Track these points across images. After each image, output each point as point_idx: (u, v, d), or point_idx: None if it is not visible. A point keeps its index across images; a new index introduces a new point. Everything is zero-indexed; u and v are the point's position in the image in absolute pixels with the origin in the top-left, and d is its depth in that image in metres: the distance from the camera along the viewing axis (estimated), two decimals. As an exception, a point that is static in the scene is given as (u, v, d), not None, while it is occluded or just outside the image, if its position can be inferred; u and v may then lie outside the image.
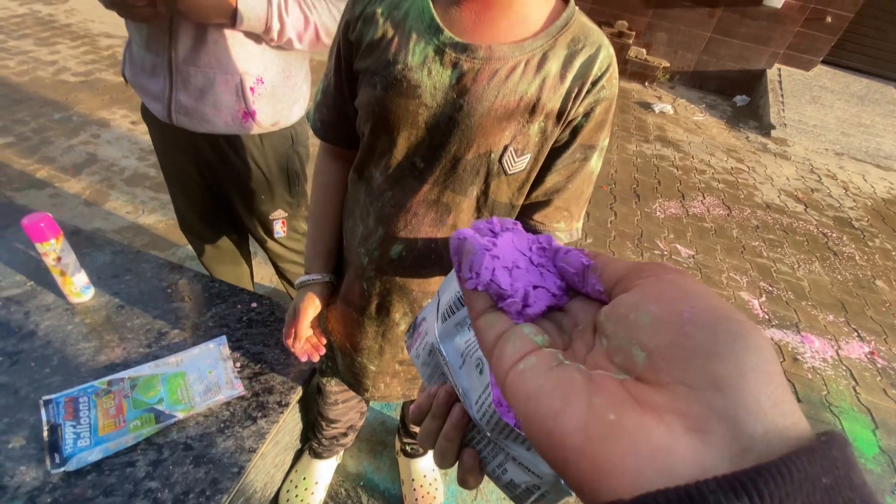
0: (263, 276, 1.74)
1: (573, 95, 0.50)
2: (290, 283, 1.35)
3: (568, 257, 0.23)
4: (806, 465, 0.13)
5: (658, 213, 2.68)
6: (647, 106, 4.24)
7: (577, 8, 0.51)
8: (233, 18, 0.81)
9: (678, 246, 2.43)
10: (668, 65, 4.86)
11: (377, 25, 0.52)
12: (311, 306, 0.71)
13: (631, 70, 4.76)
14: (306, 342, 0.76)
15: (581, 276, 0.22)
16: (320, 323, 0.78)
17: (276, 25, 0.84)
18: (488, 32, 0.49)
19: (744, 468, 0.13)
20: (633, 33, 4.73)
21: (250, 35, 0.87)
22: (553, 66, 0.49)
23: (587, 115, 0.52)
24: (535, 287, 0.23)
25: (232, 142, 0.98)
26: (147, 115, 1.02)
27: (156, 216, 1.95)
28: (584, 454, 0.16)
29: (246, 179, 1.04)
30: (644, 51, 4.88)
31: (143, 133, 2.45)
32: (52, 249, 0.81)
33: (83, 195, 1.97)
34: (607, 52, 0.51)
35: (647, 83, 4.79)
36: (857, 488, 0.14)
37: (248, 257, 1.38)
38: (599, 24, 4.55)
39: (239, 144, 0.98)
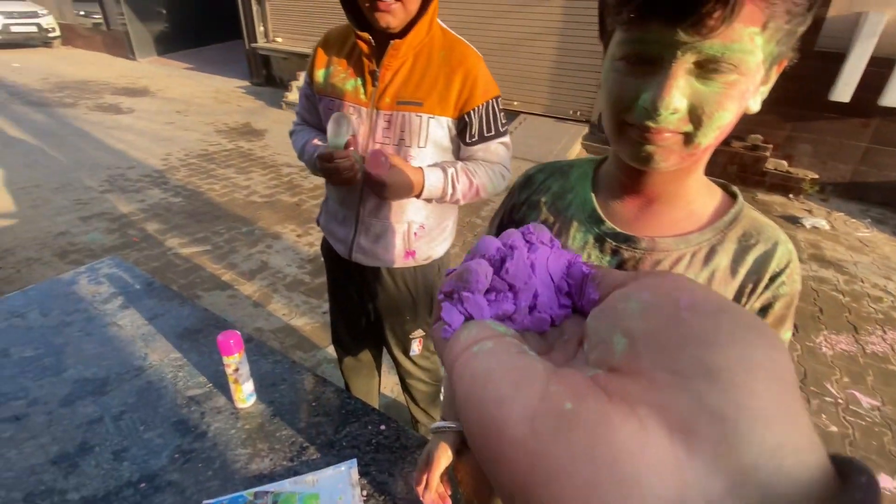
0: (386, 384, 1.83)
1: (747, 291, 0.48)
2: (413, 399, 1.40)
3: (571, 270, 0.21)
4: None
5: (824, 349, 2.26)
6: (794, 220, 3.83)
7: (746, 203, 0.51)
8: (419, 195, 0.98)
9: (856, 393, 1.99)
10: (816, 176, 4.42)
11: (540, 212, 0.57)
12: (445, 456, 0.72)
13: (770, 182, 4.43)
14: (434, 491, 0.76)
15: (579, 287, 0.20)
16: (449, 472, 0.78)
17: (449, 191, 1.01)
18: (651, 225, 0.50)
19: None
20: (770, 146, 4.48)
21: None
22: (722, 260, 0.48)
23: (764, 309, 0.49)
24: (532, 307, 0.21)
25: (393, 272, 1.15)
26: (328, 252, 1.26)
27: (305, 319, 2.22)
28: (525, 450, 0.12)
29: (398, 303, 1.19)
30: (785, 163, 4.54)
31: (304, 245, 2.91)
32: (234, 362, 0.97)
33: (253, 297, 2.36)
34: (786, 248, 0.49)
35: (791, 196, 4.38)
36: None
37: (380, 370, 1.50)
38: (729, 140, 4.41)
39: (398, 275, 1.15)
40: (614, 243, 0.50)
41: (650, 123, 0.40)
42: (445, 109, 0.98)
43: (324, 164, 0.96)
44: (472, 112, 0.99)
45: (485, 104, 1.00)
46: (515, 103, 5.54)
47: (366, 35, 0.94)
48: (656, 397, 0.11)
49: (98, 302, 1.29)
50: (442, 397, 1.50)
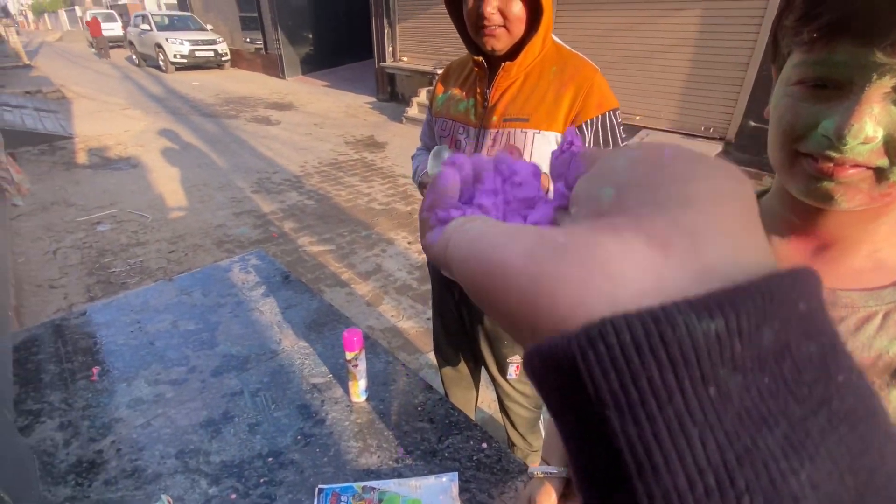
0: (483, 399, 1.81)
1: None
2: (511, 422, 1.36)
3: (561, 157, 0.19)
4: (785, 289, 0.11)
5: None
6: None
7: None
8: None
9: None
10: None
11: None
12: (549, 501, 0.68)
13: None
14: None
15: (567, 166, 0.19)
16: None
17: None
18: (827, 274, 0.43)
19: (715, 288, 0.11)
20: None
21: None
22: None
23: None
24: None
25: None
26: (432, 267, 1.28)
27: (411, 322, 2.31)
28: (526, 274, 0.13)
29: (496, 326, 1.16)
30: None
31: (414, 251, 3.05)
32: (355, 357, 1.03)
33: (367, 297, 2.52)
34: None
35: None
36: (830, 322, 0.12)
37: (478, 385, 1.48)
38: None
39: None
40: None
41: (832, 153, 0.34)
42: (553, 124, 0.95)
43: (423, 192, 1.00)
44: (584, 125, 0.94)
45: (599, 117, 0.93)
46: (637, 118, 5.21)
47: (478, 59, 0.97)
48: (638, 224, 0.13)
49: (246, 289, 1.48)
50: (543, 433, 1.44)
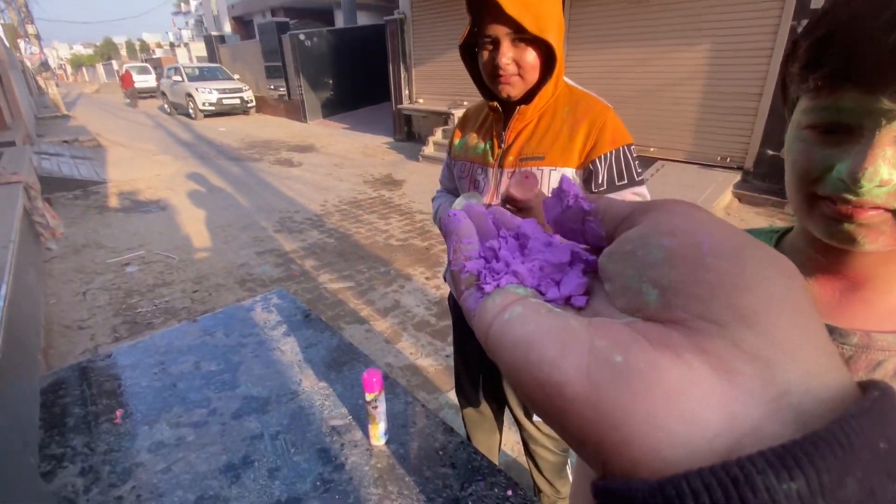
0: (506, 442, 1.75)
1: None
2: (537, 467, 1.31)
3: (568, 211, 0.19)
4: (863, 428, 0.10)
5: None
6: None
7: None
8: None
9: None
10: None
11: None
12: None
13: None
14: None
15: (580, 224, 0.18)
16: None
17: None
18: (861, 316, 0.41)
19: (795, 438, 0.10)
20: None
21: None
22: None
23: None
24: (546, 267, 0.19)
25: None
26: (454, 305, 1.27)
27: (430, 360, 2.29)
28: (588, 403, 0.12)
29: None
30: None
31: (432, 287, 3.05)
32: (374, 399, 1.01)
33: (385, 333, 2.51)
34: None
35: None
36: None
37: (501, 427, 1.43)
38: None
39: None
40: None
41: (848, 196, 0.34)
42: (568, 160, 0.96)
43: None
44: (597, 160, 0.95)
45: (613, 151, 0.95)
46: (652, 150, 5.23)
47: (493, 103, 1.00)
48: (698, 344, 0.12)
49: (268, 328, 1.49)
50: (571, 478, 1.38)
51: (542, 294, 0.18)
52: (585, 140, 0.95)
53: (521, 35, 0.87)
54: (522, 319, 0.15)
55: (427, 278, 3.19)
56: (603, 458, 0.12)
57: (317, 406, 1.16)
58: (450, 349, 2.34)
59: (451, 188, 1.25)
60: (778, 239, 0.49)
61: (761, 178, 4.48)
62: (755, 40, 4.28)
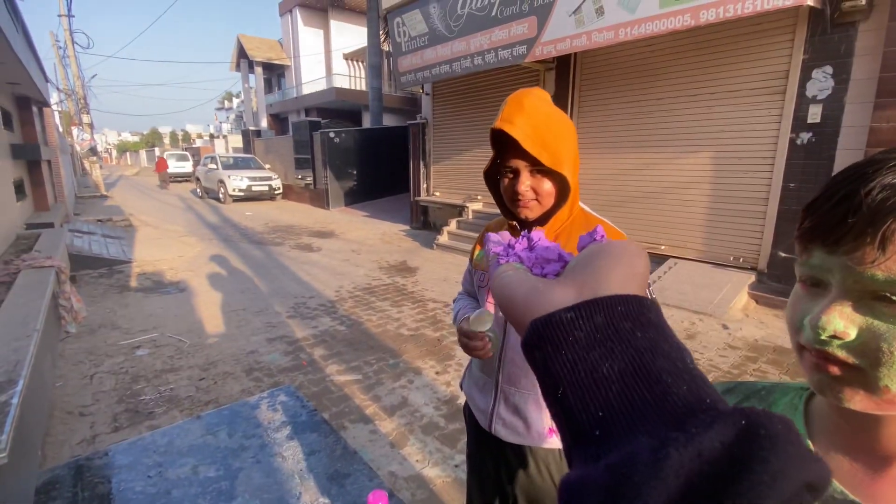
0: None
1: None
2: None
3: (580, 242, 0.33)
4: (614, 301, 0.23)
5: None
6: None
7: None
8: None
9: None
10: None
11: None
12: None
13: None
14: None
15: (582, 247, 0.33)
16: None
17: None
18: (893, 496, 0.38)
19: (580, 302, 0.24)
20: None
21: None
22: None
23: None
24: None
25: (535, 454, 1.07)
26: (470, 419, 1.25)
27: (437, 470, 2.15)
28: (522, 303, 0.26)
29: (540, 490, 1.08)
30: None
31: (442, 383, 2.96)
32: (377, 525, 0.95)
33: (391, 436, 2.40)
34: None
35: None
36: (666, 326, 0.24)
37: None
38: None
39: (541, 458, 1.06)
40: None
41: (816, 346, 0.37)
42: None
43: (461, 337, 1.08)
44: None
45: None
46: (663, 247, 5.31)
47: (513, 223, 1.09)
48: (572, 280, 0.26)
49: (271, 429, 1.45)
50: None
51: (531, 271, 0.32)
52: None
53: (539, 167, 0.96)
54: (509, 275, 0.29)
55: (437, 373, 3.11)
56: (526, 323, 0.24)
57: (315, 526, 1.09)
58: (459, 457, 2.21)
59: (471, 291, 1.30)
60: (808, 396, 0.47)
61: (776, 280, 4.46)
62: (757, 150, 4.53)
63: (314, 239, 8.10)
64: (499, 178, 1.06)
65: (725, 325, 3.95)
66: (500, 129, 0.94)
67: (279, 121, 21.99)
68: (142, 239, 7.59)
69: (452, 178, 8.24)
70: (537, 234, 0.36)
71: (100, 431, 2.44)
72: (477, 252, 1.23)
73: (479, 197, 7.53)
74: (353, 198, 12.27)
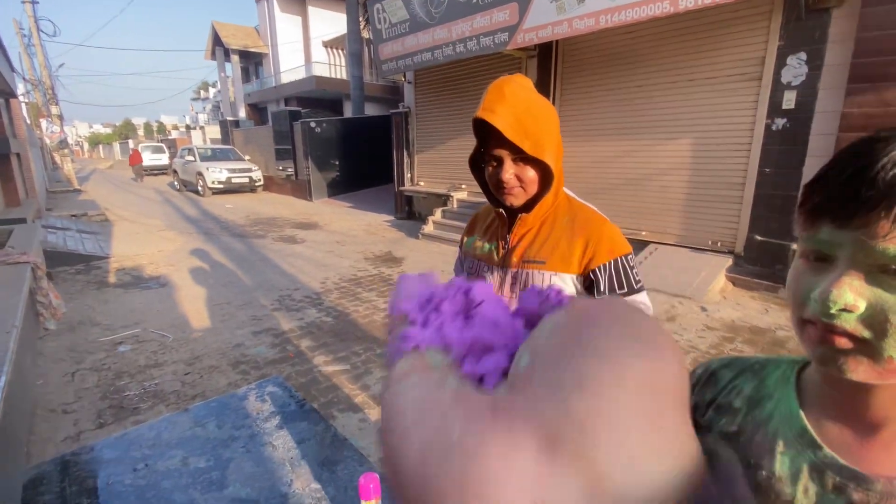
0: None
1: None
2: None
3: (545, 305, 0.21)
4: None
5: None
6: None
7: None
8: None
9: None
10: None
11: (735, 417, 0.50)
12: None
13: None
14: None
15: (535, 309, 0.20)
16: None
17: None
18: (884, 460, 0.40)
19: None
20: None
21: None
22: None
23: None
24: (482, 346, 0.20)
25: None
26: None
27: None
28: (416, 476, 0.13)
29: None
30: None
31: (429, 371, 3.00)
32: (370, 506, 0.97)
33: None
34: None
35: None
36: None
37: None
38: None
39: None
40: (837, 478, 0.41)
41: (823, 319, 0.38)
42: (569, 267, 1.04)
43: None
44: (597, 270, 1.02)
45: (612, 262, 1.02)
46: (644, 233, 5.40)
47: (499, 210, 1.10)
48: (534, 409, 0.12)
49: (260, 419, 1.45)
50: None
51: (458, 364, 0.19)
52: (584, 251, 1.03)
53: (522, 155, 0.97)
54: (408, 389, 0.17)
55: (424, 361, 3.13)
56: None
57: (308, 511, 1.10)
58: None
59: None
60: (800, 368, 0.49)
61: (753, 262, 4.59)
62: (734, 136, 4.62)
63: (297, 231, 8.01)
64: (483, 166, 1.07)
65: (704, 308, 4.07)
66: (482, 118, 0.94)
67: (258, 111, 21.54)
68: (119, 234, 7.41)
69: (437, 167, 8.22)
70: (483, 288, 0.22)
71: (84, 428, 2.41)
72: (467, 239, 1.25)
73: (463, 186, 7.54)
74: (336, 189, 12.14)
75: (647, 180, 5.35)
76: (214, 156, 13.88)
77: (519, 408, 0.13)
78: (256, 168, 13.71)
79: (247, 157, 14.49)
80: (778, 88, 4.21)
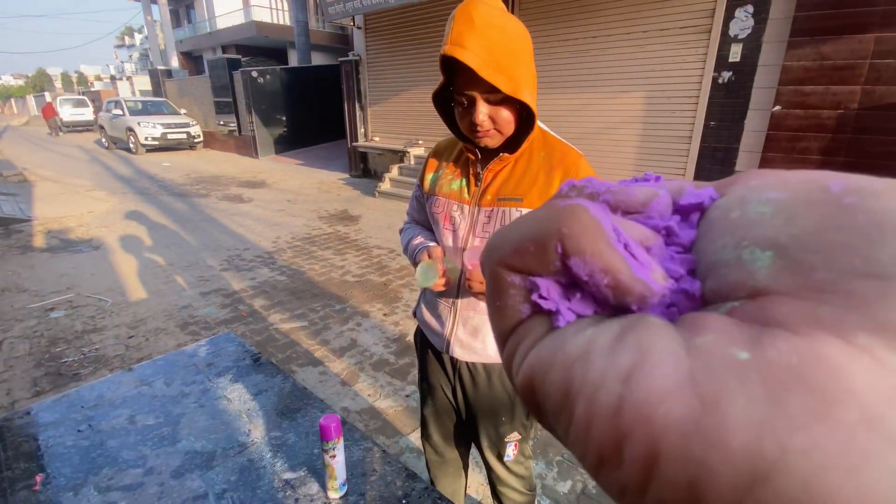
0: (471, 484, 1.70)
1: None
2: (503, 507, 1.27)
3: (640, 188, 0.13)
4: None
5: None
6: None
7: None
8: None
9: None
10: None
11: None
12: None
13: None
14: None
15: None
16: None
17: None
18: None
19: None
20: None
21: None
22: None
23: None
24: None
25: (490, 370, 1.11)
26: (423, 345, 1.25)
27: (389, 401, 2.21)
28: (699, 429, 0.08)
29: (494, 402, 1.13)
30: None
31: (390, 324, 2.99)
32: (333, 448, 0.96)
33: (342, 375, 2.41)
34: None
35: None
36: None
37: (467, 470, 1.40)
38: None
39: (495, 372, 1.10)
40: None
41: None
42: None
43: (415, 266, 1.07)
44: None
45: None
46: (599, 188, 5.53)
47: (471, 154, 1.02)
48: (871, 314, 0.08)
49: (213, 375, 1.39)
50: None
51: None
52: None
53: (496, 95, 0.87)
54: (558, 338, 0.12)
55: (385, 314, 3.12)
56: None
57: (268, 459, 1.08)
58: (410, 388, 2.28)
59: (422, 220, 1.23)
60: None
61: (696, 213, 4.83)
62: (683, 89, 4.72)
63: (244, 189, 7.60)
64: (452, 104, 0.98)
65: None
66: (451, 55, 0.83)
67: (193, 59, 19.73)
68: (41, 195, 6.73)
69: (392, 121, 7.93)
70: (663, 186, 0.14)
71: (19, 397, 2.24)
72: (429, 174, 1.16)
73: (420, 142, 7.34)
74: (285, 145, 11.52)
75: (602, 134, 5.42)
76: (146, 109, 12.69)
77: (835, 315, 0.08)
78: (195, 123, 12.69)
79: (183, 111, 13.37)
80: (726, 41, 4.30)
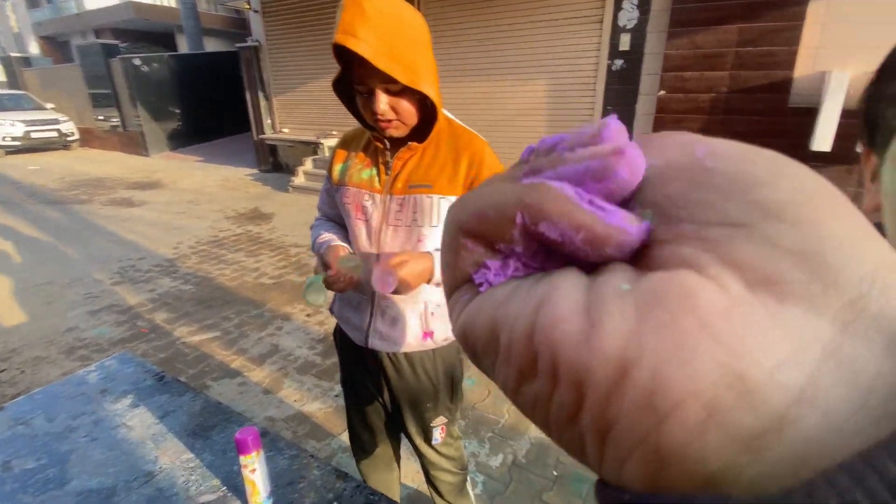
0: (406, 473, 1.70)
1: None
2: (438, 492, 1.29)
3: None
4: None
5: None
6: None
7: None
8: (429, 281, 0.97)
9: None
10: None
11: None
12: None
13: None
14: None
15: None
16: None
17: None
18: None
19: None
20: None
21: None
22: None
23: None
24: None
25: (411, 358, 1.10)
26: (342, 341, 1.21)
27: (318, 404, 2.12)
28: (588, 346, 0.10)
29: (417, 390, 1.13)
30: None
31: (314, 324, 2.87)
32: (252, 462, 0.90)
33: (263, 383, 2.27)
34: None
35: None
36: None
37: (399, 462, 1.40)
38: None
39: (417, 360, 1.10)
40: None
41: None
42: (454, 189, 1.01)
43: (322, 263, 1.06)
44: None
45: None
46: (513, 172, 5.74)
47: (380, 142, 1.01)
48: (721, 254, 0.10)
49: (107, 402, 1.24)
50: (472, 495, 1.39)
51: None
52: (468, 171, 1.00)
53: (396, 85, 0.86)
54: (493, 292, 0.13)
55: (308, 315, 2.99)
56: (611, 419, 0.10)
57: (180, 484, 0.99)
58: (338, 388, 2.21)
59: (333, 214, 1.20)
60: None
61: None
62: (582, 77, 5.02)
63: (134, 192, 6.82)
64: (351, 95, 0.95)
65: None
66: (342, 45, 0.79)
67: (58, 45, 17.16)
68: None
69: (301, 111, 7.54)
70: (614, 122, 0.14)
71: None
72: (338, 165, 1.12)
73: (334, 132, 7.06)
74: (180, 141, 10.50)
75: (510, 122, 5.61)
76: (2, 105, 10.83)
77: (694, 255, 0.10)
78: (66, 119, 11.08)
79: (50, 106, 11.59)
80: (616, 31, 4.63)
